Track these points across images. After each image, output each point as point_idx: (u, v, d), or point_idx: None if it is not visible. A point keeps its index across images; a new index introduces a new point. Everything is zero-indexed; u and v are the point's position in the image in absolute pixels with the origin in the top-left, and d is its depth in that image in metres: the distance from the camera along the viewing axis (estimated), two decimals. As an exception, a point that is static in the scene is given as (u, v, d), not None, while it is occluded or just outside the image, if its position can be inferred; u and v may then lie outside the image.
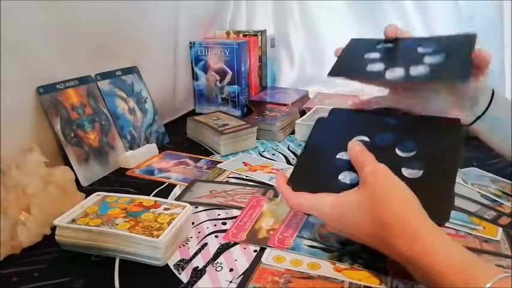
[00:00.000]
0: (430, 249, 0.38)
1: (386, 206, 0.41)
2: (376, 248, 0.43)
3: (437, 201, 0.43)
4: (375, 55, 0.57)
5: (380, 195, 0.42)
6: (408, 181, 0.44)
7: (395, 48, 0.57)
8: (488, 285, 0.33)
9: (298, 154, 0.56)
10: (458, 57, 0.50)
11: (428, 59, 0.52)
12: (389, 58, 0.57)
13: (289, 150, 0.87)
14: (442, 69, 0.50)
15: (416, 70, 0.52)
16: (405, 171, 0.47)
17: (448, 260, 0.37)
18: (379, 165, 0.44)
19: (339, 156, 0.51)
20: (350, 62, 0.59)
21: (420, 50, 0.55)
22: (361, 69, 0.57)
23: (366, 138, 0.52)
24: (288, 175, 0.52)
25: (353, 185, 0.46)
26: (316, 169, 0.52)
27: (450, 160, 0.47)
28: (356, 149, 0.48)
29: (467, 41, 0.52)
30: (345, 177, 0.49)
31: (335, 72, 0.60)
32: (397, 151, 0.50)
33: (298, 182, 0.51)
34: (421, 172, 0.46)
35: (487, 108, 0.57)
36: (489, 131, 0.58)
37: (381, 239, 0.41)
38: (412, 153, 0.49)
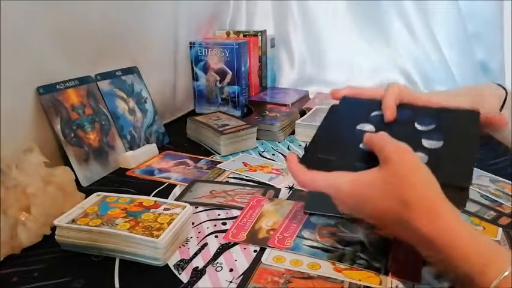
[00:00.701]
0: (451, 229, 0.38)
1: (410, 184, 0.40)
2: (391, 228, 0.43)
3: (457, 179, 0.43)
4: (369, 127, 0.51)
5: (404, 174, 0.41)
6: (429, 152, 0.45)
7: (391, 123, 0.50)
8: (506, 273, 0.34)
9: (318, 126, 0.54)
10: (460, 148, 0.47)
11: (426, 143, 0.48)
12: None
13: (289, 150, 0.87)
14: (440, 163, 0.45)
15: None
16: (426, 142, 0.47)
17: (468, 241, 0.37)
18: (402, 144, 0.43)
19: (359, 127, 0.51)
20: (340, 137, 0.52)
21: (418, 127, 0.50)
22: (353, 148, 0.49)
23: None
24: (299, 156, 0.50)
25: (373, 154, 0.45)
26: (336, 139, 0.51)
27: (469, 140, 0.47)
28: (375, 134, 0.47)
29: (470, 122, 0.49)
30: (365, 145, 0.47)
31: (308, 157, 0.51)
32: (416, 125, 0.49)
33: (316, 152, 0.49)
34: (441, 143, 0.46)
35: None
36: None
37: (399, 218, 0.41)
38: (431, 127, 0.49)
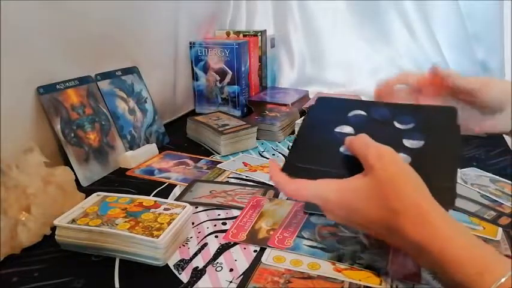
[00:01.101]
0: (441, 235, 0.37)
1: (396, 191, 0.39)
2: (382, 236, 0.42)
3: (442, 178, 0.42)
4: (348, 129, 0.50)
5: (390, 181, 0.40)
6: (411, 152, 0.44)
7: (370, 121, 0.50)
8: (503, 280, 0.33)
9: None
10: (442, 147, 0.46)
11: (407, 142, 0.47)
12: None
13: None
14: (423, 163, 0.44)
15: None
16: (407, 142, 0.46)
17: (459, 247, 0.36)
18: (384, 147, 0.42)
19: (337, 129, 0.50)
20: (318, 143, 0.51)
21: (397, 125, 0.49)
22: (333, 153, 0.48)
23: (363, 112, 0.51)
24: (281, 163, 0.50)
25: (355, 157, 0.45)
26: (315, 145, 0.50)
27: (450, 137, 0.46)
28: (355, 137, 0.46)
29: (448, 119, 0.48)
30: (346, 149, 0.47)
31: (289, 166, 0.49)
32: (396, 124, 0.49)
33: (296, 161, 0.48)
34: (422, 142, 0.46)
35: None
36: None
37: (389, 226, 0.40)
38: (411, 125, 0.48)
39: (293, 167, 0.48)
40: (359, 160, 0.44)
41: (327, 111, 0.54)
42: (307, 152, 0.50)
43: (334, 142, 0.48)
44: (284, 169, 0.48)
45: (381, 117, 0.50)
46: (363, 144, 0.44)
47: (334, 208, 0.44)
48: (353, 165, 0.44)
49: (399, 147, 0.46)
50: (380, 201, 0.40)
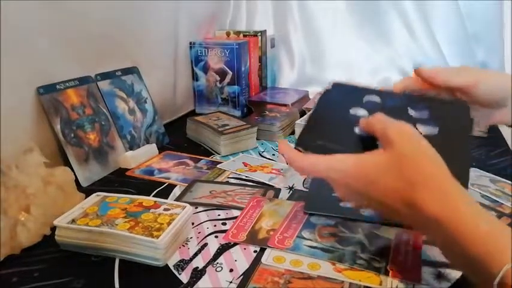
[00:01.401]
0: (459, 211, 0.36)
1: (416, 165, 0.39)
2: (395, 212, 0.41)
3: (455, 171, 0.41)
4: (363, 112, 0.50)
5: (409, 154, 0.40)
6: (425, 137, 0.43)
7: (385, 108, 0.49)
8: (509, 266, 0.32)
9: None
10: (455, 141, 0.46)
11: (421, 128, 0.47)
12: None
13: (289, 150, 0.87)
14: (438, 150, 0.43)
15: None
16: (420, 128, 0.46)
17: (475, 224, 0.35)
18: (404, 124, 0.42)
19: (352, 111, 0.49)
20: (334, 122, 0.51)
21: (412, 113, 0.49)
22: (348, 133, 0.48)
23: (377, 98, 0.50)
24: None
25: (372, 137, 0.44)
26: (329, 124, 0.49)
27: (463, 131, 0.46)
28: (372, 116, 0.45)
29: (462, 113, 0.48)
30: (361, 131, 0.46)
31: (304, 143, 0.48)
32: (410, 111, 0.48)
33: (310, 138, 0.47)
34: (436, 129, 0.46)
35: None
36: None
37: (406, 200, 0.39)
38: (425, 114, 0.48)
39: (307, 144, 0.47)
40: (374, 142, 0.44)
41: (342, 95, 0.53)
42: (322, 130, 0.49)
43: (348, 123, 0.48)
44: (297, 146, 0.47)
45: (395, 104, 0.50)
46: (381, 122, 0.43)
47: (350, 180, 0.43)
48: (368, 146, 0.44)
49: None
50: (399, 173, 0.40)
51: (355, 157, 0.43)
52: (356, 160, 0.43)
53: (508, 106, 0.53)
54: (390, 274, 0.46)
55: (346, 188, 0.44)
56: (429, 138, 0.44)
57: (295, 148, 0.47)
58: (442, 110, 0.49)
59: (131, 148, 0.82)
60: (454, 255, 0.37)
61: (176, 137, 0.94)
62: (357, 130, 0.47)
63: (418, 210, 0.38)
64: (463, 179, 0.41)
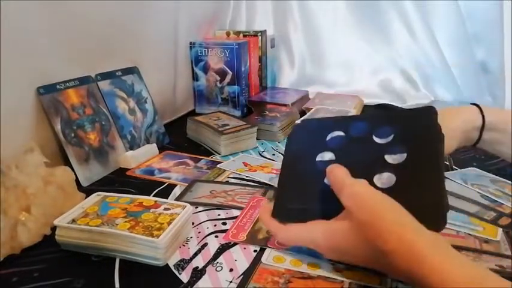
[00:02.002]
0: (439, 271, 0.35)
1: (379, 232, 0.38)
2: (381, 270, 0.42)
3: (430, 193, 0.41)
4: (329, 156, 0.49)
5: (368, 222, 0.39)
6: (395, 169, 0.43)
7: (350, 142, 0.49)
8: None
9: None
10: (425, 156, 0.44)
11: (390, 158, 0.46)
12: (346, 160, 0.46)
13: (289, 150, 0.87)
14: (409, 181, 0.43)
15: (381, 180, 0.45)
16: (389, 158, 0.45)
17: (460, 279, 0.35)
18: (357, 186, 0.42)
19: (318, 158, 0.49)
20: (303, 177, 0.50)
21: (377, 140, 0.48)
22: (319, 187, 0.47)
23: (341, 133, 0.50)
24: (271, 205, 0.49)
25: None
26: (299, 180, 0.49)
27: (432, 141, 0.44)
28: (331, 172, 0.45)
29: (428, 122, 0.46)
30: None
31: (279, 209, 0.49)
32: (375, 138, 0.47)
33: (283, 208, 0.49)
34: (404, 155, 0.45)
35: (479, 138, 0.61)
36: (496, 143, 0.62)
37: (383, 264, 0.40)
38: (390, 138, 0.47)
39: (282, 210, 0.48)
40: None
41: (306, 138, 0.53)
42: (293, 190, 0.49)
43: (317, 174, 0.48)
44: (274, 213, 0.49)
45: (359, 133, 0.49)
46: (337, 183, 0.43)
47: (324, 251, 0.45)
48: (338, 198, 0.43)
49: (382, 166, 0.45)
50: (366, 244, 0.39)
51: (323, 227, 0.44)
52: (324, 230, 0.43)
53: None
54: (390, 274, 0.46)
55: (324, 254, 0.46)
56: (399, 166, 0.44)
57: (272, 216, 0.48)
58: (407, 125, 0.47)
59: (131, 148, 0.82)
60: None
61: (176, 137, 0.94)
62: (326, 181, 0.46)
63: (400, 272, 0.38)
64: (440, 197, 0.41)
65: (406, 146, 0.45)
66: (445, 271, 0.35)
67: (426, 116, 0.47)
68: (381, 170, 0.45)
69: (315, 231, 0.44)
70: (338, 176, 0.44)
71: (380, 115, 0.51)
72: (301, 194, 0.49)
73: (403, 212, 0.39)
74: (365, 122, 0.49)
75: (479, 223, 0.56)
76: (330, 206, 0.44)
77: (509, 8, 1.07)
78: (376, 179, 0.45)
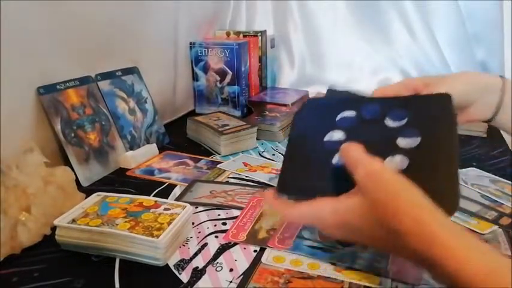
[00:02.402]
0: (455, 255, 0.34)
1: (393, 212, 0.37)
2: (389, 251, 0.41)
3: (443, 179, 0.40)
4: (339, 135, 0.47)
5: (382, 201, 0.38)
6: (407, 152, 0.42)
7: (361, 123, 0.47)
8: None
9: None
10: (440, 142, 0.43)
11: (402, 142, 0.44)
12: (357, 141, 0.44)
13: (289, 150, 0.87)
14: (422, 163, 0.42)
15: (394, 163, 0.44)
16: (401, 141, 0.44)
17: (471, 265, 0.34)
18: (374, 164, 0.40)
19: (327, 138, 0.48)
20: (311, 156, 0.48)
21: (390, 123, 0.46)
22: (327, 167, 0.46)
23: (352, 113, 0.48)
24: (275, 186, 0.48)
25: None
26: (306, 159, 0.47)
27: (447, 129, 0.43)
28: (345, 149, 0.44)
29: (444, 108, 0.45)
30: (339, 160, 0.45)
31: (285, 187, 0.48)
32: (387, 121, 0.46)
33: (289, 183, 0.47)
34: (418, 139, 0.43)
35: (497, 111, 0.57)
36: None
37: (392, 245, 0.39)
38: (404, 121, 0.45)
39: (287, 186, 0.47)
40: None
41: (315, 117, 0.51)
42: (299, 168, 0.48)
43: (325, 153, 0.46)
44: (279, 189, 0.47)
45: (371, 115, 0.47)
46: (352, 161, 0.42)
47: (332, 229, 0.44)
48: (347, 178, 0.42)
49: (395, 149, 0.44)
50: (378, 223, 0.38)
51: (332, 204, 0.42)
52: (333, 207, 0.42)
53: (476, 103, 0.54)
54: (390, 274, 0.46)
55: (332, 233, 0.45)
56: (412, 150, 0.43)
57: (277, 193, 0.47)
58: (422, 109, 0.46)
59: (131, 148, 0.82)
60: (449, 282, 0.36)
61: (176, 137, 0.94)
62: (334, 160, 0.45)
63: (412, 254, 0.37)
64: (453, 183, 0.40)
65: (420, 130, 0.44)
66: (462, 256, 0.34)
67: (442, 101, 0.45)
68: (393, 153, 0.43)
69: (322, 208, 0.43)
70: (354, 153, 0.42)
71: (394, 98, 0.48)
72: (307, 172, 0.47)
73: (420, 193, 0.38)
74: (378, 104, 0.48)
75: (480, 223, 0.56)
76: (337, 184, 0.43)
77: (509, 8, 1.07)
78: (388, 161, 0.44)
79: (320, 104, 0.53)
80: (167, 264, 0.49)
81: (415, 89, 0.54)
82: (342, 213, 0.42)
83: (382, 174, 0.39)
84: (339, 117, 0.49)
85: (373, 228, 0.39)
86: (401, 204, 0.37)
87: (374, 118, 0.47)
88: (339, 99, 0.51)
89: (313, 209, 0.44)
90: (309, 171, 0.47)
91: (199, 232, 0.56)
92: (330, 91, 0.54)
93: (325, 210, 0.43)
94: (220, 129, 0.86)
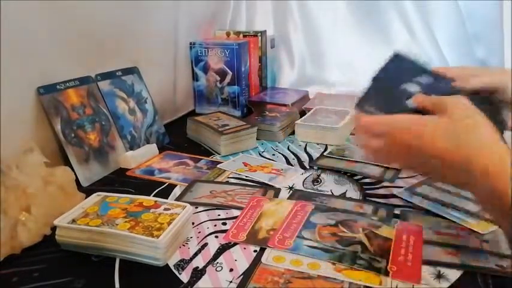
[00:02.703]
0: None
1: (472, 131, 0.41)
2: (446, 170, 0.43)
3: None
4: (415, 88, 0.53)
5: (465, 120, 0.42)
6: None
7: (437, 87, 0.52)
8: None
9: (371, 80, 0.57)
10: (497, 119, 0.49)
11: None
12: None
13: (289, 150, 0.87)
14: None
15: None
16: None
17: None
18: (461, 97, 0.45)
19: (404, 86, 0.52)
20: (388, 92, 0.54)
21: None
22: (400, 104, 0.52)
23: (431, 80, 0.53)
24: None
25: (421, 112, 0.47)
26: (383, 94, 0.54)
27: (499, 124, 0.48)
28: (422, 96, 0.49)
29: (495, 108, 0.51)
30: (413, 103, 0.49)
31: (360, 108, 0.55)
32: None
33: (365, 104, 0.53)
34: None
35: None
36: None
37: (460, 163, 0.41)
38: None
39: (362, 108, 0.52)
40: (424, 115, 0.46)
41: (399, 68, 0.57)
42: (376, 99, 0.53)
43: (400, 95, 0.51)
44: (355, 107, 0.53)
45: (445, 90, 0.51)
46: (435, 100, 0.47)
47: (409, 137, 0.45)
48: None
49: None
50: (455, 137, 0.42)
51: (414, 116, 0.46)
52: (415, 118, 0.46)
53: None
54: (390, 274, 0.46)
55: (403, 146, 0.46)
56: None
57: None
58: (483, 107, 0.49)
59: (131, 148, 0.82)
60: (504, 218, 0.39)
61: (176, 137, 0.94)
62: (408, 102, 0.50)
63: (473, 166, 0.40)
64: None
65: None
66: None
67: (494, 104, 0.52)
68: None
69: (402, 118, 0.47)
70: (435, 98, 0.47)
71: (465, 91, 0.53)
72: (382, 103, 0.52)
73: (495, 129, 0.42)
74: (454, 87, 0.52)
75: (478, 220, 0.56)
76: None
77: (509, 8, 1.07)
78: None
79: (406, 61, 0.58)
80: (167, 264, 0.50)
81: (465, 78, 0.55)
82: (422, 123, 0.45)
83: (470, 104, 0.44)
84: (418, 77, 0.54)
85: (446, 143, 0.42)
86: (480, 126, 0.42)
87: (447, 92, 0.50)
88: (421, 64, 0.57)
89: (393, 117, 0.47)
90: (384, 104, 0.52)
91: (199, 232, 0.56)
92: (396, 56, 0.59)
93: (405, 119, 0.46)
94: (220, 129, 0.86)
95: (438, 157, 0.43)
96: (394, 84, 0.54)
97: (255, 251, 0.52)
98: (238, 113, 1.08)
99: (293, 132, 0.95)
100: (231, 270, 0.48)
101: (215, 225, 0.58)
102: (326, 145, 0.88)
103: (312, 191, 0.68)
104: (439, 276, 0.46)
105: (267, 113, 1.01)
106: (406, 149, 0.46)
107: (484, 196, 0.41)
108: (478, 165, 0.39)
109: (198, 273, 0.48)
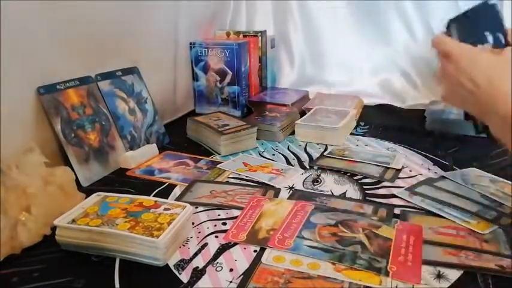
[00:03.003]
0: None
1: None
2: (473, 91, 0.49)
3: None
4: (490, 39, 0.57)
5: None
6: None
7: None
8: None
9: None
10: None
11: None
12: None
13: (289, 150, 0.87)
14: None
15: None
16: None
17: None
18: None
19: (486, 33, 0.57)
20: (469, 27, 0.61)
21: None
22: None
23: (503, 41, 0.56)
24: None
25: None
26: (469, 28, 0.60)
27: None
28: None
29: None
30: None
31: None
32: None
33: (454, 27, 0.61)
34: None
35: None
36: None
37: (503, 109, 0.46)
38: None
39: (448, 32, 0.61)
40: None
41: (487, 17, 0.60)
42: (460, 31, 0.60)
43: (480, 38, 0.56)
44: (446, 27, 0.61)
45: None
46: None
47: (465, 51, 0.53)
48: None
49: None
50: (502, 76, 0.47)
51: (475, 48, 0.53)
52: (493, 51, 0.52)
53: None
54: (390, 274, 0.46)
55: (453, 62, 0.53)
56: None
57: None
58: None
59: (131, 148, 0.82)
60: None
61: (176, 137, 0.94)
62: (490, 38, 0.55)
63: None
64: None
65: None
66: None
67: None
68: None
69: (478, 49, 0.53)
70: None
71: None
72: (464, 35, 0.59)
73: None
74: None
75: (478, 220, 0.56)
76: None
77: (509, 8, 1.07)
78: None
79: (495, 14, 0.60)
80: (167, 264, 0.50)
81: None
82: (478, 50, 0.53)
83: None
84: (498, 33, 0.57)
85: (496, 70, 0.48)
86: None
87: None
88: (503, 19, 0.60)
89: (469, 47, 0.54)
90: (469, 36, 0.58)
91: (199, 232, 0.56)
92: (491, 4, 0.61)
93: (479, 50, 0.53)
94: (220, 129, 0.86)
95: (479, 85, 0.49)
96: (480, 27, 0.59)
97: (255, 251, 0.52)
98: (238, 113, 1.08)
99: (293, 132, 0.95)
100: (231, 270, 0.48)
101: (215, 225, 0.58)
102: (326, 145, 0.88)
103: (312, 191, 0.68)
104: (439, 276, 0.46)
105: (267, 113, 1.01)
106: (455, 69, 0.52)
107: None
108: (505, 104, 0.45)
109: (198, 273, 0.48)
